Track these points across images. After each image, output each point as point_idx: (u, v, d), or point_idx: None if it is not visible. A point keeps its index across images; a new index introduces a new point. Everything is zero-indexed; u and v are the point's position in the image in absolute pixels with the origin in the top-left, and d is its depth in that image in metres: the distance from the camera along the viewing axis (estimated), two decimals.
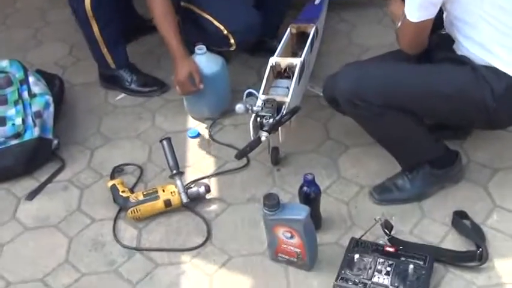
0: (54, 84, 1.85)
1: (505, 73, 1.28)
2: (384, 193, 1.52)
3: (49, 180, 1.70)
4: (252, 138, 1.51)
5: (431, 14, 1.29)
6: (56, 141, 1.76)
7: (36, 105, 1.72)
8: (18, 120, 1.68)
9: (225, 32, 1.82)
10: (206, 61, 1.77)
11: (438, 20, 1.35)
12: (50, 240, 1.52)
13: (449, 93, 1.31)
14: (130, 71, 1.98)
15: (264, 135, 1.48)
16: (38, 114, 1.70)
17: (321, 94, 1.57)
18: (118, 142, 1.83)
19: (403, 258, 1.31)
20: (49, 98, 1.75)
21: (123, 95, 1.98)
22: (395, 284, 1.26)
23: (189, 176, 1.66)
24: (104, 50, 1.91)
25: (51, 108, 1.75)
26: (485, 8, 1.25)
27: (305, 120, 1.77)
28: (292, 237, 1.31)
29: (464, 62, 1.32)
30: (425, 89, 1.31)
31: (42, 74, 1.85)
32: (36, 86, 1.75)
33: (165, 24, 1.74)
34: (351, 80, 1.34)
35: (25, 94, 1.72)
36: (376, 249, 1.34)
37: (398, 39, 1.41)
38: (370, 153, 1.64)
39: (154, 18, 1.78)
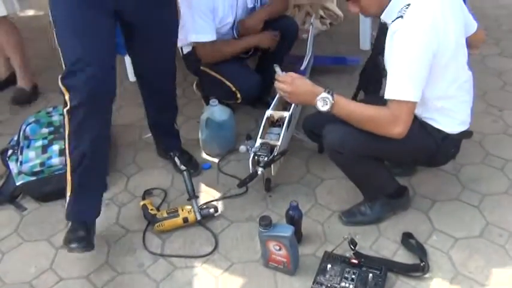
0: None
1: (439, 129, 1.35)
2: (350, 217, 1.52)
3: None
4: (251, 171, 1.52)
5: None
6: None
7: None
8: None
9: (233, 89, 1.86)
10: (218, 111, 1.78)
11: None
12: None
13: (412, 147, 1.31)
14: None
15: (260, 170, 1.50)
16: None
17: (304, 139, 1.58)
18: (148, 171, 1.81)
19: (364, 268, 1.30)
20: None
21: (149, 133, 1.86)
22: None
23: (202, 199, 1.65)
24: None
25: None
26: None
27: (291, 158, 1.76)
28: (280, 249, 1.32)
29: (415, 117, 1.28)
30: (395, 146, 1.27)
31: None
32: None
33: (228, 47, 1.85)
34: (338, 136, 1.31)
35: None
36: (344, 261, 1.33)
37: (386, 130, 1.20)
38: (341, 185, 1.63)
39: (223, 55, 1.85)
